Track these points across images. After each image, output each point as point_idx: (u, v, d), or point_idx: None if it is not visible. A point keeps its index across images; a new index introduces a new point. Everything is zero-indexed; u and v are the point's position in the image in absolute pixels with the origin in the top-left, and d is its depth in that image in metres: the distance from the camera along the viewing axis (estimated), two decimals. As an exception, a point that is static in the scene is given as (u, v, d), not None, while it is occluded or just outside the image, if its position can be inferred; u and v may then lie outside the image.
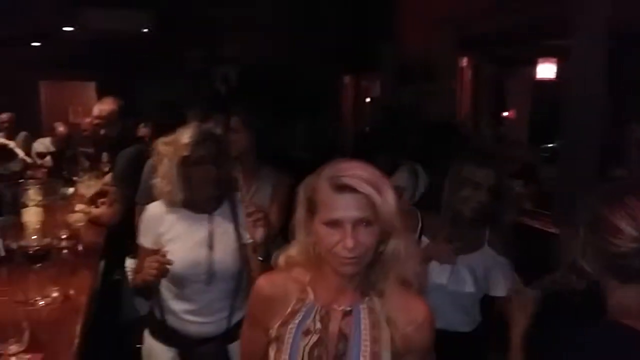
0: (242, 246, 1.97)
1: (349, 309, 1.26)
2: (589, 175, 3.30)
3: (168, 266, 1.85)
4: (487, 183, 1.95)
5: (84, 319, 1.92)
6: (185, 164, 1.88)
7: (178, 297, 1.96)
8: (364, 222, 1.17)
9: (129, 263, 3.01)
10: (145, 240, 2.00)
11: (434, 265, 1.95)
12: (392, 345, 1.23)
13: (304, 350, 1.23)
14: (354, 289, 1.27)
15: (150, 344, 2.02)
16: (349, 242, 1.15)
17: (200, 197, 1.94)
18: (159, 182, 1.93)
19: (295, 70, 7.53)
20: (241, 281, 1.97)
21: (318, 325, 1.24)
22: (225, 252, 1.95)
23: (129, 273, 3.03)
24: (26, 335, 1.51)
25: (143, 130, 4.07)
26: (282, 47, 7.39)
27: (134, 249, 2.97)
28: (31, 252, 1.96)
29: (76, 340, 1.75)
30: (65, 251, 2.57)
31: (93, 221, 2.93)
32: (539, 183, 4.63)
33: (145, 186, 2.65)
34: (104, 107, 3.18)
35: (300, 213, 1.28)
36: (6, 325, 1.49)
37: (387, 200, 1.18)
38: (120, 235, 3.03)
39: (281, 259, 1.34)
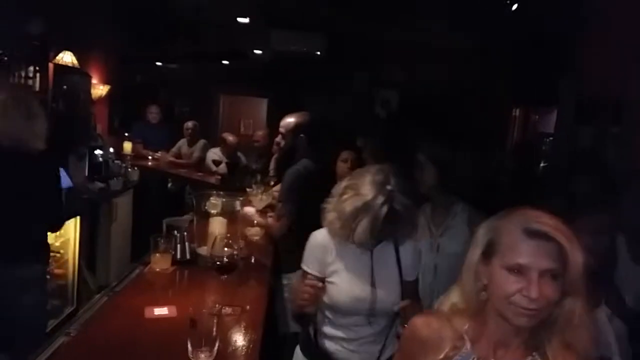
0: (402, 283, 1.96)
1: None
2: None
3: (332, 297, 1.90)
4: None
5: (261, 333, 1.99)
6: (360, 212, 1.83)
7: (335, 325, 1.97)
8: (551, 273, 1.10)
9: (286, 279, 3.12)
10: (310, 267, 2.00)
11: None
12: None
13: None
14: (516, 345, 1.19)
15: None
16: (534, 292, 1.08)
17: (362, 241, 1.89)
18: (331, 215, 1.91)
19: (460, 100, 7.36)
20: (397, 318, 1.96)
21: None
22: (387, 289, 1.93)
23: (285, 289, 3.13)
24: (216, 346, 1.60)
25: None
26: (452, 75, 7.28)
27: (293, 265, 3.08)
28: (220, 263, 2.09)
29: (256, 355, 1.82)
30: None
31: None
32: None
33: None
34: (291, 120, 3.29)
35: (474, 255, 1.22)
36: (201, 333, 1.59)
37: (578, 256, 1.12)
38: (284, 250, 3.15)
39: (444, 306, 1.30)
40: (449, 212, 2.54)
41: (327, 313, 1.98)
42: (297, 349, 2.12)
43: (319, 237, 2.01)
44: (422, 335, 1.29)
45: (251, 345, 1.88)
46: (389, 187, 1.81)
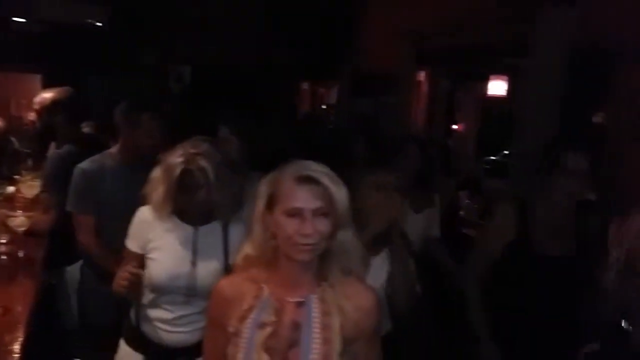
0: (227, 266, 1.87)
1: (301, 299, 1.33)
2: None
3: (151, 273, 1.82)
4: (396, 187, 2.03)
5: (26, 333, 1.81)
6: (178, 183, 1.76)
7: (155, 305, 1.89)
8: (321, 212, 1.27)
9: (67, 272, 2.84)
10: (132, 243, 1.91)
11: None
12: (343, 331, 1.30)
13: (259, 343, 1.29)
14: (307, 280, 1.35)
15: (124, 350, 1.94)
16: (308, 229, 1.25)
17: (187, 208, 1.85)
18: (150, 190, 1.82)
19: (252, 74, 7.48)
20: None
21: (272, 317, 1.31)
22: (208, 270, 1.86)
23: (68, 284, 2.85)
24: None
25: (86, 128, 3.90)
26: (242, 50, 7.33)
27: (72, 256, 2.82)
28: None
29: (17, 357, 1.65)
30: (4, 257, 2.44)
31: (29, 231, 2.71)
32: (482, 194, 4.68)
33: (79, 193, 2.42)
34: (48, 96, 2.91)
35: (258, 208, 1.35)
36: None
37: (342, 195, 1.30)
38: (59, 242, 2.84)
39: (239, 259, 1.42)
40: (249, 183, 2.56)
41: (147, 292, 1.88)
42: (121, 341, 1.97)
43: (145, 212, 1.89)
44: (226, 295, 1.38)
45: (14, 347, 1.71)
46: (191, 150, 1.75)
